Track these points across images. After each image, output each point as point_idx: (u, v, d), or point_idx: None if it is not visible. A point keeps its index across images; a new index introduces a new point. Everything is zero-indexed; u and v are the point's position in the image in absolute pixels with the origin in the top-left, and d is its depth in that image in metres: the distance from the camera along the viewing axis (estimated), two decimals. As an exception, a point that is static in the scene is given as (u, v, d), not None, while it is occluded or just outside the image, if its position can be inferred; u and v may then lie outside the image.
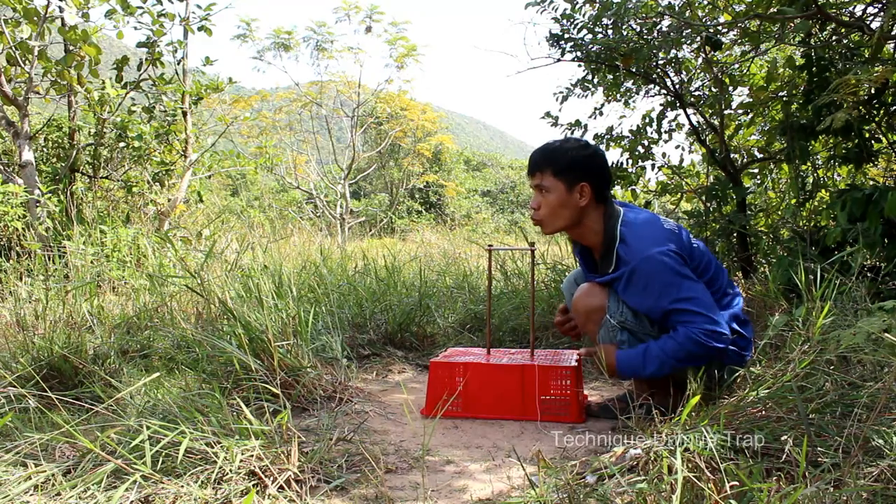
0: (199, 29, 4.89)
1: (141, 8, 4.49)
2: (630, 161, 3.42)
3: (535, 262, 2.64)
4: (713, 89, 3.29)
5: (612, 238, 1.85)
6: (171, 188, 5.20)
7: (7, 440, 1.57)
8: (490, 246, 2.34)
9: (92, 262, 3.64)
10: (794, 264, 2.26)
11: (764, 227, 3.35)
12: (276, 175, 12.31)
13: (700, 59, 3.30)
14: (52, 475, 1.38)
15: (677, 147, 4.29)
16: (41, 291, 2.95)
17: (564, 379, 2.01)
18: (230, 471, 1.38)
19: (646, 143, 3.39)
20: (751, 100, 3.32)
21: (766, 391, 1.48)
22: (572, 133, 3.45)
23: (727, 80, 3.26)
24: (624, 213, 1.89)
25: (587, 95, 3.40)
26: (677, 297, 1.75)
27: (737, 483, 1.15)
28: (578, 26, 3.11)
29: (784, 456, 1.28)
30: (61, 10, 4.14)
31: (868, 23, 2.59)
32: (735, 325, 1.85)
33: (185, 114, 5.05)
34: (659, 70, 3.26)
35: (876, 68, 2.07)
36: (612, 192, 1.99)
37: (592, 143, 1.96)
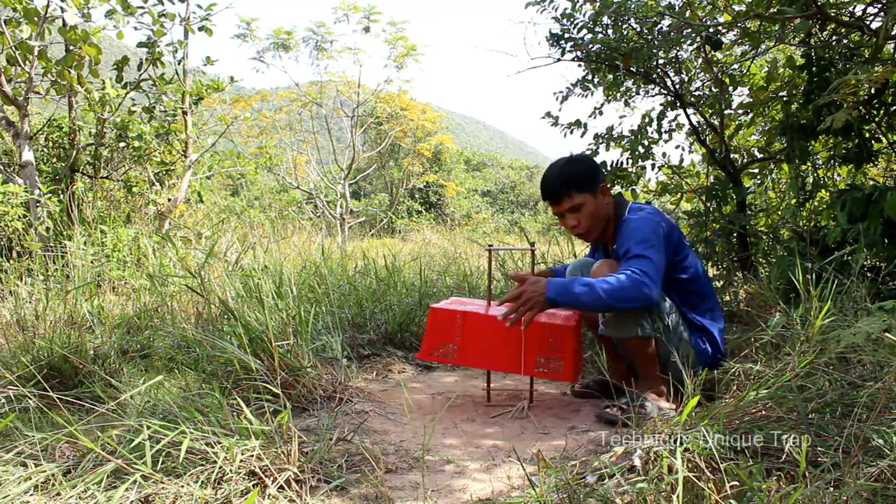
0: (200, 29, 4.89)
1: (141, 8, 4.49)
2: (630, 161, 3.42)
3: (536, 262, 2.63)
4: (713, 89, 3.28)
5: (622, 219, 2.05)
6: (171, 188, 5.20)
7: (7, 440, 1.57)
8: (490, 246, 2.34)
9: (92, 262, 3.64)
10: (794, 264, 2.26)
11: (764, 227, 3.35)
12: (276, 175, 12.32)
13: (700, 59, 3.30)
14: (52, 475, 1.38)
15: (677, 147, 4.29)
16: (41, 291, 2.94)
17: (562, 336, 2.02)
18: (230, 471, 1.38)
19: (646, 142, 3.39)
20: (751, 100, 3.32)
21: (766, 391, 1.48)
22: (572, 132, 3.47)
23: (727, 80, 3.26)
24: (632, 202, 2.11)
25: (587, 95, 3.41)
26: (643, 251, 1.88)
27: (737, 483, 1.15)
28: (579, 26, 3.11)
29: (784, 456, 1.28)
30: (62, 10, 4.14)
31: (868, 23, 2.59)
32: (717, 337, 2.04)
33: (185, 114, 5.05)
34: (659, 70, 3.26)
35: (876, 68, 2.07)
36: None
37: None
